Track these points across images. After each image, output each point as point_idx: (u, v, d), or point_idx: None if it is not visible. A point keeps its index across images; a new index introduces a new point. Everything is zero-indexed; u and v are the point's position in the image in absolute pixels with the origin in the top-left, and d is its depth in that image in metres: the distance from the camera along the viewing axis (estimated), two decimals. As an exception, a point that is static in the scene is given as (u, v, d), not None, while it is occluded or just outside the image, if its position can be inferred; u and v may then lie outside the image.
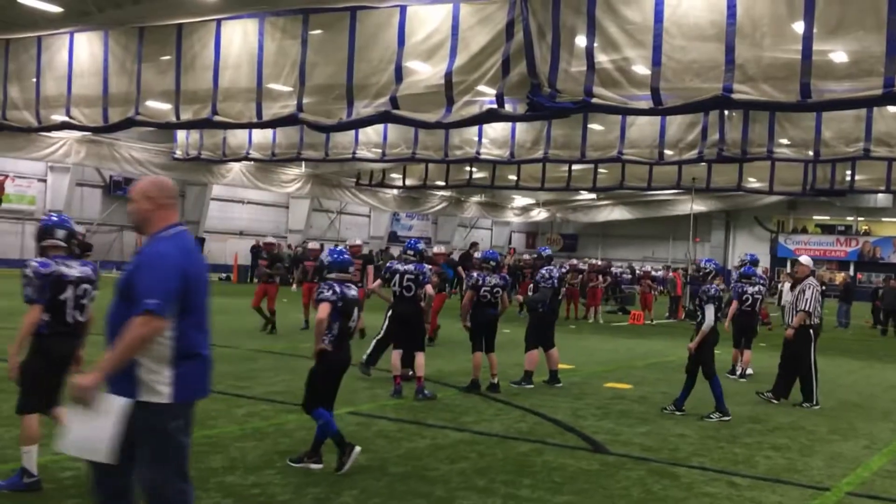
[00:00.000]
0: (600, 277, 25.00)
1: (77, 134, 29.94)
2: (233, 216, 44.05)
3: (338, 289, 6.56)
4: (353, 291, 6.71)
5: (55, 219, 5.90)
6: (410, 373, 10.52)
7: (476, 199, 51.05)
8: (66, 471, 6.00)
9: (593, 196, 47.34)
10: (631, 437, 8.42)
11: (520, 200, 53.11)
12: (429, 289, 10.25)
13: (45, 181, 37.07)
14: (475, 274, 10.90)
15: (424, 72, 15.40)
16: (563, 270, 12.07)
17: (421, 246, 10.44)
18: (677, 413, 9.73)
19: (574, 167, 28.90)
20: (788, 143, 20.73)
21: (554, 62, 13.81)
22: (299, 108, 16.78)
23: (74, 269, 5.67)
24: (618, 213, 50.76)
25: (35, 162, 34.46)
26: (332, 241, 44.29)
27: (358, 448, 6.52)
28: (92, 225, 38.72)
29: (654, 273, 27.57)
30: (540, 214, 54.88)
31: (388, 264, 10.45)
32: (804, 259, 11.74)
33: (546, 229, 60.74)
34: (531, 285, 12.12)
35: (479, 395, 10.35)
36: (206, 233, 41.09)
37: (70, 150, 32.03)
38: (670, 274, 27.79)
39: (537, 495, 6.21)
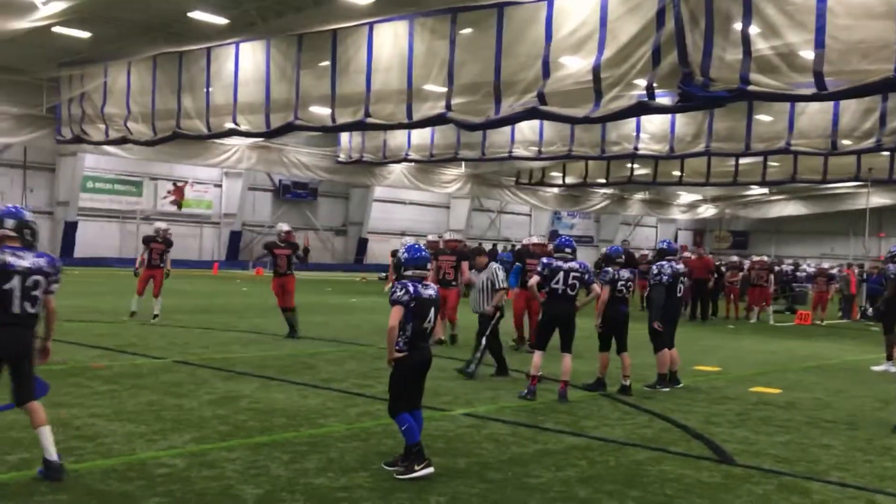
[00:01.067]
0: (771, 276, 23.54)
1: (248, 141, 31.60)
2: (395, 217, 45.01)
3: (411, 288, 6.22)
4: (429, 290, 6.35)
5: (7, 208, 5.79)
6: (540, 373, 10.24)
7: (639, 196, 49.82)
8: (162, 467, 6.07)
9: (764, 191, 45.11)
10: (766, 447, 7.72)
11: (686, 197, 51.33)
12: (596, 288, 9.83)
13: (220, 186, 39.34)
14: (610, 269, 10.38)
15: (572, 66, 15.14)
16: (678, 267, 11.11)
17: (574, 244, 10.13)
18: None
19: (741, 161, 27.65)
20: (982, 127, 18.91)
21: (707, 50, 13.24)
22: (448, 107, 16.91)
23: (25, 260, 5.51)
24: (792, 209, 48.17)
25: (211, 168, 36.60)
26: (492, 241, 44.54)
27: (431, 469, 6.18)
28: (263, 227, 40.73)
29: (830, 271, 25.63)
30: (707, 211, 52.79)
31: (543, 261, 9.86)
32: None
33: (714, 226, 58.45)
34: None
35: (608, 397, 9.88)
36: (370, 233, 42.25)
37: (242, 156, 33.93)
38: (844, 271, 25.85)
39: None
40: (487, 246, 37.76)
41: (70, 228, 33.91)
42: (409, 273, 6.37)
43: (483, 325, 10.81)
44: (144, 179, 36.92)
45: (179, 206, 38.18)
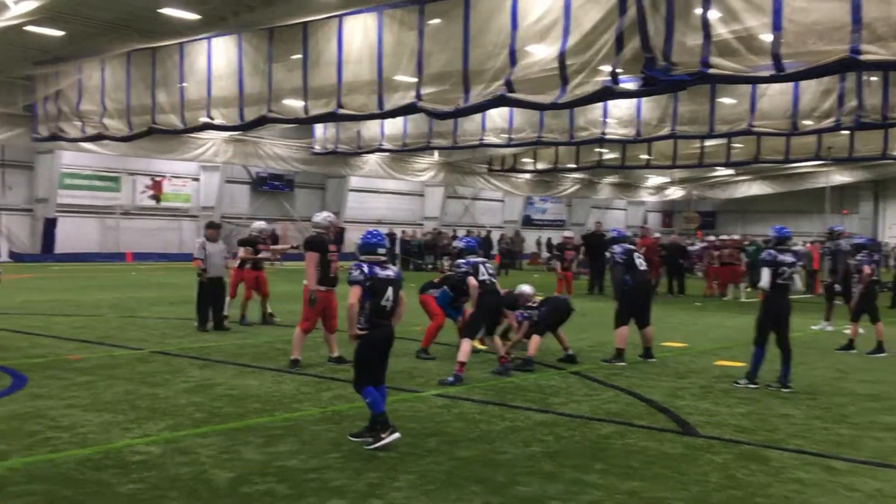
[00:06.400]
0: (742, 255, 23.97)
1: (224, 134, 31.69)
2: (370, 206, 45.24)
3: (366, 269, 6.69)
4: (387, 272, 6.80)
5: None
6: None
7: (609, 180, 50.37)
8: (137, 455, 6.28)
9: (730, 171, 45.77)
10: (727, 418, 8.02)
11: (654, 179, 51.95)
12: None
13: (198, 180, 39.39)
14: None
15: (538, 53, 15.35)
16: (630, 246, 11.78)
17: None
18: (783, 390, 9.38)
19: (706, 143, 28.06)
20: (938, 105, 19.33)
21: (668, 35, 13.47)
22: (418, 96, 17.10)
23: None
24: (757, 188, 49.14)
25: (188, 162, 36.64)
26: (467, 227, 44.89)
27: (398, 434, 6.60)
28: (241, 219, 40.77)
29: (793, 248, 26.09)
30: (675, 192, 53.59)
31: (461, 262, 10.36)
32: None
33: (683, 207, 59.11)
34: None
35: (577, 374, 10.22)
36: (347, 222, 42.42)
37: (218, 149, 34.06)
38: (807, 247, 26.34)
39: (605, 481, 5.94)
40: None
41: (50, 225, 33.91)
42: (363, 258, 6.82)
43: None
44: (122, 175, 36.90)
45: (158, 201, 38.21)
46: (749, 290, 24.02)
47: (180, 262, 34.46)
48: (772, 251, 9.66)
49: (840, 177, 42.92)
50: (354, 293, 6.62)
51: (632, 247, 11.66)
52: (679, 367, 11.07)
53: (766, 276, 9.52)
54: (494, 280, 10.27)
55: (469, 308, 10.35)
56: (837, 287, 15.58)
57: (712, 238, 25.86)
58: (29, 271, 27.70)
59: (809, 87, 19.36)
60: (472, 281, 9.97)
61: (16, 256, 33.15)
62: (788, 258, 9.71)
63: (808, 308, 20.33)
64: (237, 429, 7.10)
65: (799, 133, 21.21)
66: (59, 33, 24.05)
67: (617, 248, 11.34)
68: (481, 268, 10.14)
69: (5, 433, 6.69)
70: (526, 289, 11.26)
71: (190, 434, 6.89)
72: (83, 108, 24.47)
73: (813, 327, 15.89)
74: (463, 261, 10.31)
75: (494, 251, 38.48)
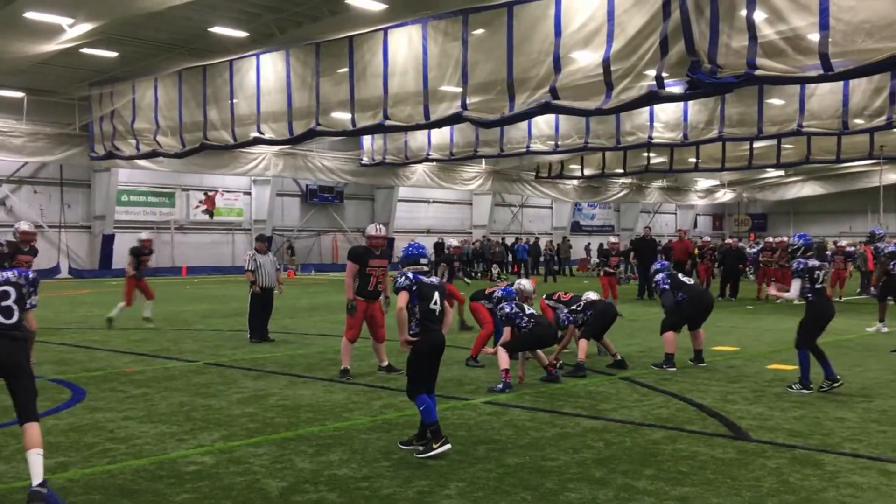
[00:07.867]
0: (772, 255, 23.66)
1: (274, 148, 32.24)
2: (419, 215, 45.68)
3: (410, 275, 6.84)
4: (431, 279, 6.97)
5: None
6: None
7: (657, 184, 50.13)
8: (191, 465, 6.42)
9: (780, 173, 45.30)
10: (780, 422, 7.93)
11: (703, 182, 51.58)
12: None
13: (249, 194, 40.10)
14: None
15: (582, 60, 15.37)
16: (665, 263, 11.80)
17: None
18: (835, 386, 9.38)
19: (755, 144, 27.83)
20: None
21: (713, 37, 13.43)
22: (463, 106, 17.22)
23: None
24: (809, 189, 48.70)
25: (240, 177, 37.31)
26: (515, 235, 44.91)
27: (449, 445, 6.67)
28: (293, 231, 41.36)
29: (847, 248, 25.54)
30: (725, 195, 53.18)
31: (505, 305, 10.16)
32: None
33: (733, 210, 58.45)
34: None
35: (627, 380, 10.20)
36: (396, 232, 42.74)
37: (269, 163, 34.69)
38: (860, 248, 25.77)
39: (655, 487, 5.93)
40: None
41: (107, 241, 34.83)
42: (406, 269, 6.97)
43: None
44: (176, 190, 37.76)
45: (211, 215, 39.03)
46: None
47: (233, 275, 35.07)
48: (802, 260, 9.53)
49: (893, 175, 42.13)
50: (402, 298, 6.76)
51: (673, 271, 11.84)
52: (731, 371, 10.97)
53: (796, 287, 9.42)
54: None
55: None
56: None
57: (770, 240, 25.49)
58: (87, 287, 28.44)
59: (860, 86, 19.09)
60: (506, 331, 9.89)
61: (75, 272, 34.04)
62: (816, 262, 9.62)
63: (862, 309, 19.99)
64: (289, 438, 7.23)
65: (850, 132, 20.97)
66: (114, 54, 24.77)
67: (659, 276, 11.44)
68: (525, 306, 10.07)
69: (65, 445, 6.91)
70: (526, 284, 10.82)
71: (243, 444, 7.02)
72: (137, 127, 25.10)
73: (868, 329, 15.61)
74: (507, 304, 10.13)
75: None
